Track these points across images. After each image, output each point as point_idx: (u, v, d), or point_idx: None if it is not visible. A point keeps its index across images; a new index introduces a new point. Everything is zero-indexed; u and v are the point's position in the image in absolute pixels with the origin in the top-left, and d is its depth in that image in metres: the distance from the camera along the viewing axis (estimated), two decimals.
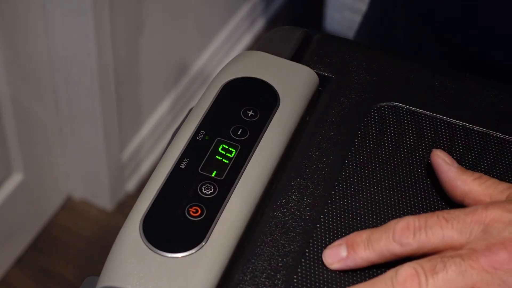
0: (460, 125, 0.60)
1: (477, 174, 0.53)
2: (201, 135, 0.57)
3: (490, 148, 0.59)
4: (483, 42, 0.70)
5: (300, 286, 0.50)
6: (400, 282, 0.48)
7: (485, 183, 0.53)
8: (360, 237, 0.50)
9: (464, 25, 0.71)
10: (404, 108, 0.61)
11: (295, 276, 0.50)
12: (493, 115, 0.61)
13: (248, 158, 0.55)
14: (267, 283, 0.50)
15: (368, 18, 0.87)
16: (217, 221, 0.52)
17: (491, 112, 0.61)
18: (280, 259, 0.51)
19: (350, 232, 0.52)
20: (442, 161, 0.54)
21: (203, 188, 0.53)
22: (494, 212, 0.49)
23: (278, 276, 0.51)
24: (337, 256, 0.51)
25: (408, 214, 0.54)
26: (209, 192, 0.53)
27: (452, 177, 0.53)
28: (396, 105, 0.61)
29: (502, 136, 0.59)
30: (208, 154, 0.55)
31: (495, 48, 0.70)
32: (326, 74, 0.63)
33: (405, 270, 0.48)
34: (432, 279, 0.47)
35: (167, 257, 0.50)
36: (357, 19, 1.96)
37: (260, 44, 0.66)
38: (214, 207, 0.52)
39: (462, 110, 0.61)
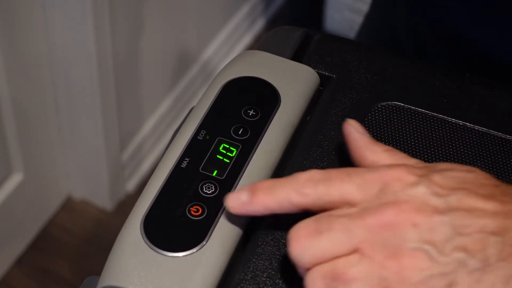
0: (461, 125, 0.60)
1: (389, 147, 0.52)
2: (202, 134, 0.57)
3: (491, 147, 0.59)
4: (484, 40, 0.70)
5: (300, 285, 0.50)
6: (290, 238, 0.47)
7: (395, 155, 0.51)
8: (264, 183, 0.50)
9: (464, 24, 0.71)
10: (405, 107, 0.61)
11: (296, 275, 0.50)
12: (494, 115, 0.61)
13: (249, 157, 0.55)
14: (268, 282, 0.50)
15: (370, 17, 0.87)
16: (218, 221, 0.52)
17: (491, 111, 0.61)
18: (281, 258, 0.51)
19: None
20: (354, 129, 0.53)
21: (204, 187, 0.53)
22: (397, 172, 0.48)
23: (279, 275, 0.51)
24: (238, 200, 0.50)
25: None
26: (210, 192, 0.53)
27: (362, 146, 0.52)
28: (397, 104, 0.61)
29: (503, 135, 0.59)
30: (209, 153, 0.55)
31: (496, 46, 0.70)
32: (326, 73, 0.63)
33: (295, 228, 0.47)
34: (315, 238, 0.47)
35: (168, 256, 0.50)
36: (357, 19, 1.96)
37: (260, 43, 0.66)
38: (215, 206, 0.52)
39: (463, 110, 0.61)
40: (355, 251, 0.46)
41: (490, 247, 0.45)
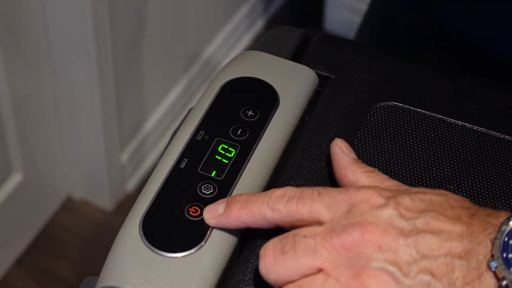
0: (460, 125, 0.60)
1: (370, 168, 0.53)
2: (200, 135, 0.57)
3: (490, 148, 0.59)
4: (482, 36, 0.70)
5: None
6: (260, 257, 0.48)
7: (373, 177, 0.52)
8: (240, 197, 0.51)
9: (462, 20, 0.71)
10: (404, 108, 0.61)
11: None
12: (493, 115, 0.61)
13: (248, 158, 0.55)
14: (266, 283, 0.50)
15: (368, 15, 0.87)
16: None
17: (490, 112, 0.61)
18: None
19: None
20: (339, 149, 0.54)
21: (202, 188, 0.53)
22: (365, 194, 0.48)
23: None
24: (215, 212, 0.51)
25: None
26: (209, 192, 0.53)
27: (344, 166, 0.53)
28: (396, 105, 0.61)
29: (502, 136, 0.59)
30: (207, 154, 0.55)
31: (493, 42, 0.70)
32: (325, 74, 0.63)
33: (264, 246, 0.48)
34: (281, 257, 0.47)
35: (167, 257, 0.50)
36: (357, 19, 1.96)
37: (259, 44, 0.66)
38: None
39: (462, 110, 0.61)
40: (320, 270, 0.47)
41: (455, 271, 0.45)
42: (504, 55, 0.69)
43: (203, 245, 0.50)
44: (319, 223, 0.48)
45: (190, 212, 0.52)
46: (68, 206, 1.72)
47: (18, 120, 1.46)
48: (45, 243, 1.65)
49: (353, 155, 0.54)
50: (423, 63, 0.67)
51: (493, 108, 0.62)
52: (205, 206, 0.52)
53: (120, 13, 1.49)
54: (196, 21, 1.81)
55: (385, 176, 0.52)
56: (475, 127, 0.60)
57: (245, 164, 0.55)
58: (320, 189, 0.49)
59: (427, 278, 0.45)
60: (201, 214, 0.52)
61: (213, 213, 0.51)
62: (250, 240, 0.52)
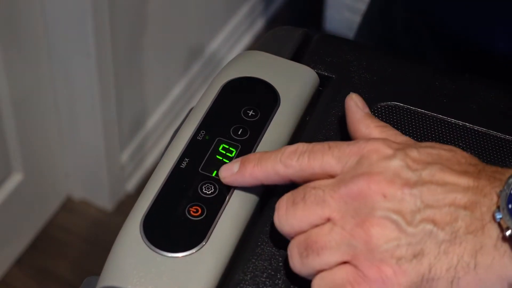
0: (460, 125, 0.60)
1: (383, 123, 0.54)
2: (201, 134, 0.57)
3: (490, 148, 0.59)
4: (482, 36, 0.70)
5: (300, 285, 0.50)
6: (276, 209, 0.50)
7: (386, 132, 0.53)
8: (254, 155, 0.52)
9: (462, 20, 0.71)
10: (404, 107, 0.61)
11: (295, 276, 0.50)
12: (493, 115, 0.61)
13: None
14: (267, 282, 0.50)
15: (368, 14, 0.87)
16: (217, 221, 0.52)
17: (491, 111, 0.61)
18: (280, 258, 0.51)
19: None
20: (354, 103, 0.55)
21: (203, 187, 0.53)
22: (373, 145, 0.49)
23: (279, 276, 0.51)
24: (230, 170, 0.53)
25: None
26: (210, 192, 0.53)
27: (357, 119, 0.54)
28: (397, 104, 0.61)
29: (502, 135, 0.59)
30: (208, 153, 0.55)
31: (495, 41, 0.70)
32: (326, 74, 0.63)
33: (280, 199, 0.50)
34: (292, 208, 0.49)
35: (168, 256, 0.50)
36: (357, 19, 1.96)
37: (260, 44, 0.66)
38: (214, 206, 0.52)
39: (462, 110, 0.61)
40: (328, 220, 0.48)
41: (459, 220, 0.46)
42: (504, 54, 0.70)
43: (204, 245, 0.50)
44: (331, 176, 0.49)
45: (191, 212, 0.52)
46: (68, 206, 1.72)
47: (18, 120, 1.46)
48: (45, 243, 1.65)
49: (367, 110, 0.55)
50: (424, 63, 0.67)
51: (493, 108, 0.62)
52: (206, 206, 0.52)
53: (120, 13, 1.49)
54: (196, 21, 1.81)
55: (397, 132, 0.53)
56: (476, 127, 0.60)
57: None
58: (331, 143, 0.50)
59: (429, 226, 0.46)
60: (202, 214, 0.52)
61: (228, 172, 0.52)
62: (251, 239, 0.52)
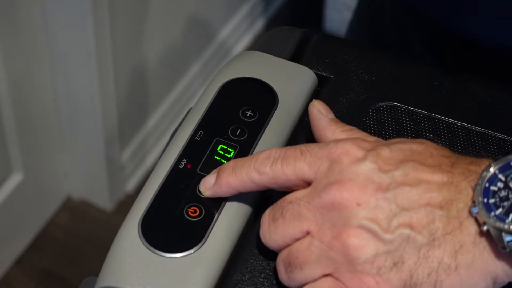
0: (459, 125, 0.60)
1: (349, 127, 0.53)
2: (199, 135, 0.57)
3: (489, 148, 0.59)
4: (466, 27, 0.70)
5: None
6: (260, 224, 0.50)
7: (353, 135, 0.52)
8: (228, 164, 0.52)
9: (446, 11, 0.71)
10: (403, 108, 0.61)
11: None
12: (492, 115, 0.61)
13: None
14: (265, 283, 0.50)
15: (357, 9, 0.87)
16: (215, 222, 0.52)
17: (489, 112, 0.61)
18: None
19: None
20: (317, 111, 0.55)
21: None
22: (344, 147, 0.48)
23: (277, 276, 0.51)
24: (208, 183, 0.52)
25: None
26: None
27: (322, 126, 0.54)
28: (395, 105, 0.61)
29: (501, 136, 0.59)
30: (206, 154, 0.55)
31: (480, 31, 0.69)
32: (324, 74, 0.63)
33: (263, 214, 0.50)
34: (273, 225, 0.48)
35: (166, 257, 0.50)
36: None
37: (259, 44, 0.66)
38: (212, 207, 0.52)
39: (461, 110, 0.61)
40: (307, 233, 0.48)
41: (436, 222, 0.45)
42: (490, 44, 0.69)
43: (202, 245, 0.50)
44: (305, 182, 0.49)
45: (189, 213, 0.52)
46: (68, 206, 1.72)
47: (18, 120, 1.46)
48: (45, 243, 1.65)
49: (331, 115, 0.54)
50: (423, 64, 0.67)
51: (492, 108, 0.62)
52: (204, 207, 0.52)
53: (120, 13, 1.49)
54: (196, 21, 1.81)
55: (365, 133, 0.52)
56: (474, 127, 0.60)
57: None
58: (303, 146, 0.50)
59: (406, 231, 0.45)
60: (200, 214, 0.52)
61: (207, 185, 0.52)
62: (249, 240, 0.52)
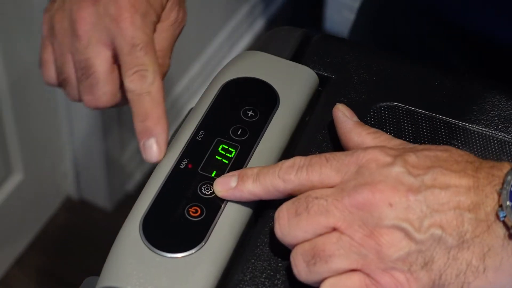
0: (460, 125, 0.60)
1: (374, 130, 0.54)
2: (201, 135, 0.57)
3: (490, 148, 0.59)
4: (481, 22, 0.70)
5: (299, 286, 0.50)
6: (275, 220, 0.50)
7: (379, 137, 0.53)
8: (251, 171, 0.52)
9: (451, 3, 0.71)
10: (404, 108, 0.61)
11: (294, 276, 0.50)
12: (493, 115, 0.61)
13: (248, 158, 0.55)
14: (266, 283, 0.50)
15: (362, 7, 0.87)
16: (217, 221, 0.52)
17: (490, 112, 0.61)
18: (279, 259, 0.51)
19: None
20: (342, 114, 0.55)
21: (202, 188, 0.53)
22: (371, 154, 0.49)
23: (278, 276, 0.51)
24: (227, 185, 0.52)
25: None
26: (209, 192, 0.53)
27: (348, 129, 0.54)
28: (396, 105, 0.61)
29: (502, 136, 0.59)
30: (208, 154, 0.55)
31: (493, 28, 0.70)
32: (325, 74, 0.63)
33: (278, 210, 0.50)
34: (295, 219, 0.48)
35: (167, 257, 0.50)
36: None
37: (259, 44, 0.66)
38: (214, 207, 0.52)
39: (462, 110, 0.61)
40: (334, 229, 0.48)
41: (465, 224, 0.46)
42: (504, 43, 0.69)
43: (203, 245, 0.50)
44: (329, 188, 0.49)
45: (190, 213, 0.52)
46: (68, 206, 1.72)
47: (18, 120, 1.46)
48: (45, 243, 1.65)
49: (355, 118, 0.55)
50: (424, 63, 0.67)
51: (493, 108, 0.62)
52: (205, 207, 0.52)
53: None
54: (196, 21, 1.81)
55: (389, 136, 0.53)
56: (475, 127, 0.60)
57: (245, 165, 0.55)
58: (328, 154, 0.50)
59: (438, 232, 0.46)
60: (201, 214, 0.52)
61: (225, 186, 0.52)
62: (250, 240, 0.52)
